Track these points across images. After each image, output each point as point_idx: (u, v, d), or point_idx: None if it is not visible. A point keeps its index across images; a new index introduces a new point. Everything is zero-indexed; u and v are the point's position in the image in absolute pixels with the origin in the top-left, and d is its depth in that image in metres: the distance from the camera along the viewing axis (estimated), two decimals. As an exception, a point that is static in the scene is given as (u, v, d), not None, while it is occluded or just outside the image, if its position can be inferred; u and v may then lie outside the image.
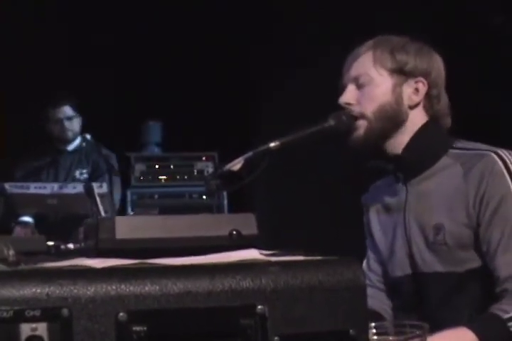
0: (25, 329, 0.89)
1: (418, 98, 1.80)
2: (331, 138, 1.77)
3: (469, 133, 1.85)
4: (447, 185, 1.74)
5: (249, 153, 1.71)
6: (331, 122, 1.77)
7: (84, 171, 4.48)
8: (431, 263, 1.75)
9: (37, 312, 0.89)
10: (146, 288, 0.93)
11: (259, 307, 0.96)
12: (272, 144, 1.72)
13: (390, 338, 1.20)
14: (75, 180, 4.34)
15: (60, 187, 3.44)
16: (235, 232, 1.16)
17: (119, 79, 5.03)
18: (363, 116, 1.77)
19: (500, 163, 1.69)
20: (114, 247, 1.12)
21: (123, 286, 0.93)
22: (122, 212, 4.60)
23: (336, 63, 1.89)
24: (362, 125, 1.78)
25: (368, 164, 1.84)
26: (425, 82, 1.79)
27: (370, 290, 1.22)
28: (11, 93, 4.73)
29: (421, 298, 1.78)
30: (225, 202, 5.00)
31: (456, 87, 1.85)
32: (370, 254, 1.94)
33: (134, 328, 0.92)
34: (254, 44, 5.13)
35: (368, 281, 1.41)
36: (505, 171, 1.68)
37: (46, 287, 0.91)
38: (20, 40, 4.94)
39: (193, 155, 5.24)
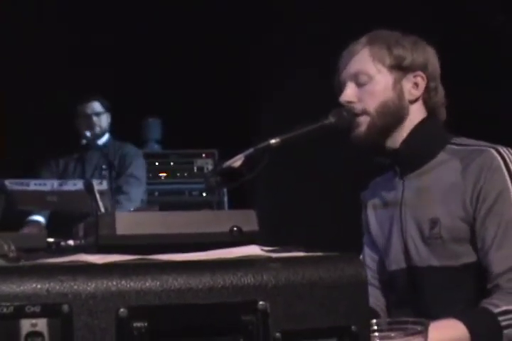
0: (26, 325, 0.89)
1: (418, 92, 1.81)
2: (332, 135, 1.77)
3: (469, 132, 1.85)
4: (445, 179, 1.75)
5: (250, 150, 1.71)
6: (332, 119, 1.77)
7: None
8: (426, 257, 1.75)
9: (37, 308, 0.89)
10: (147, 284, 0.93)
11: (261, 303, 0.96)
12: (273, 141, 1.72)
13: (392, 334, 1.20)
14: (101, 176, 4.32)
15: (60, 184, 3.43)
16: (235, 229, 1.15)
17: (119, 77, 5.02)
18: (365, 113, 1.78)
19: (499, 158, 1.69)
20: (115, 243, 1.12)
21: (123, 282, 0.92)
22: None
23: (336, 63, 1.89)
24: (364, 121, 1.78)
25: (374, 160, 1.85)
26: (424, 75, 1.80)
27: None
28: (11, 93, 4.72)
29: (416, 292, 1.78)
30: (225, 199, 5.00)
31: (456, 86, 1.85)
32: (366, 251, 1.95)
33: (135, 324, 0.92)
34: (254, 44, 5.13)
35: None
36: (503, 167, 1.69)
37: (46, 283, 0.90)
38: (20, 40, 4.93)
39: (193, 152, 5.24)
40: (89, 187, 3.22)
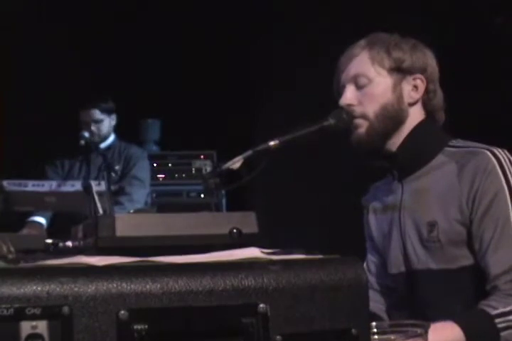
0: (26, 327, 0.88)
1: (418, 95, 1.81)
2: (332, 136, 1.77)
3: (468, 133, 1.85)
4: (442, 182, 1.75)
5: (249, 152, 1.70)
6: (331, 121, 1.77)
7: (117, 168, 4.45)
8: (424, 260, 1.75)
9: (37, 310, 0.89)
10: (147, 286, 0.93)
11: (261, 305, 0.96)
12: (272, 143, 1.72)
13: (392, 337, 1.20)
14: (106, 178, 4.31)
15: (58, 185, 3.42)
16: (235, 230, 1.15)
17: (118, 78, 5.02)
18: (364, 117, 1.77)
19: (494, 160, 1.69)
20: (114, 245, 1.11)
21: (124, 284, 0.92)
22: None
23: (335, 63, 1.89)
24: (363, 123, 1.78)
25: (375, 164, 1.84)
26: (423, 78, 1.80)
27: (370, 293, 1.22)
28: (11, 93, 4.71)
29: (415, 295, 1.78)
30: (224, 200, 4.99)
31: (455, 86, 1.85)
32: (370, 256, 1.95)
33: (135, 326, 0.91)
34: (254, 44, 5.13)
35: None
36: (498, 169, 1.69)
37: (47, 285, 0.90)
38: (20, 40, 4.93)
39: (192, 153, 5.23)
40: (87, 189, 3.22)
